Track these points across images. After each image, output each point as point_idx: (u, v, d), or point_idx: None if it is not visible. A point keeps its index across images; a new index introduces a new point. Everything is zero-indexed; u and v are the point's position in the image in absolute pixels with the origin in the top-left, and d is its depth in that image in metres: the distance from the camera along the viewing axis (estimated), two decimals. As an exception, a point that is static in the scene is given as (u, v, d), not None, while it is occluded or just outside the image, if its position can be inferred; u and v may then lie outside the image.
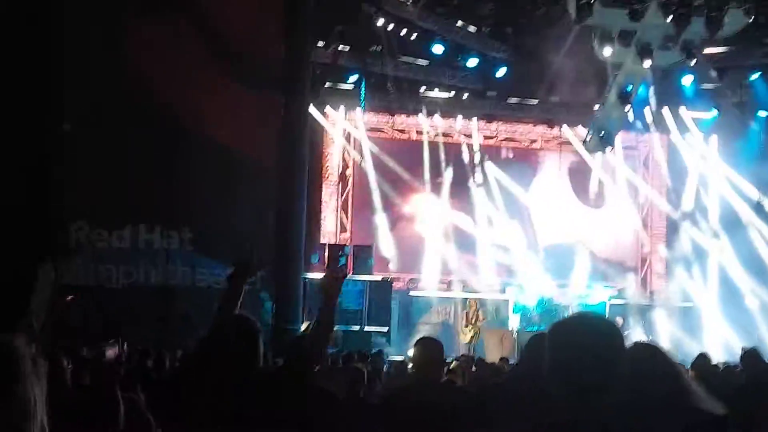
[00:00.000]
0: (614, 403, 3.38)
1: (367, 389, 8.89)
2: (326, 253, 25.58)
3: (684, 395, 4.02)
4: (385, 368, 15.66)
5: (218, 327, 5.37)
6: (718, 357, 16.13)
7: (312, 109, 24.69)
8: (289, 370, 5.55)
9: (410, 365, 10.06)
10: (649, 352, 4.20)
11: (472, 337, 24.47)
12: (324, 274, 5.84)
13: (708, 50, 25.44)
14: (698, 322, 27.05)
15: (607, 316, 26.41)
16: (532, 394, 4.31)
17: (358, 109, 28.00)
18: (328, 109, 27.91)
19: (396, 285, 27.34)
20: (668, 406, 3.91)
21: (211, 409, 5.04)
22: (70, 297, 20.92)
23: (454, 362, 14.63)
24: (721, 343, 25.37)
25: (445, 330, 24.99)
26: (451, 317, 26.55)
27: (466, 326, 24.63)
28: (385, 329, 25.38)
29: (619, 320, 26.14)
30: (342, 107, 28.10)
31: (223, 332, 5.31)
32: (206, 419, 5.02)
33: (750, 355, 10.04)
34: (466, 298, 26.19)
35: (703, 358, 11.29)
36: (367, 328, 24.83)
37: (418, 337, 7.74)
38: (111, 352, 11.31)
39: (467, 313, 24.97)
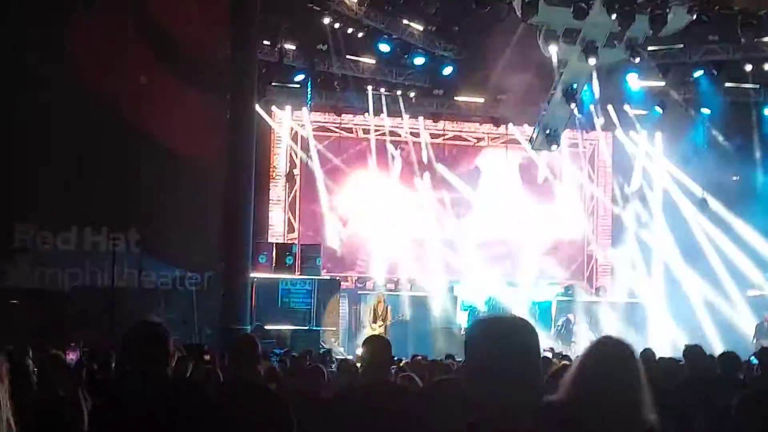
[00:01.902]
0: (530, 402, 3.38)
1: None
2: (274, 253, 25.53)
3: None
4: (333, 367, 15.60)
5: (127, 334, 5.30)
6: (662, 352, 16.24)
7: (258, 108, 24.57)
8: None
9: (358, 364, 10.03)
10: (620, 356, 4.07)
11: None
12: None
13: (652, 48, 25.67)
14: (643, 318, 27.26)
15: (555, 313, 26.82)
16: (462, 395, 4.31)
17: (305, 108, 27.92)
18: (274, 108, 27.84)
19: (344, 284, 27.33)
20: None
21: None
22: (13, 301, 20.75)
23: (403, 361, 14.63)
24: (666, 339, 25.60)
25: (396, 327, 24.91)
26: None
27: (374, 322, 24.32)
28: (333, 328, 25.39)
29: (569, 317, 26.41)
30: (288, 106, 28.03)
31: (130, 339, 5.23)
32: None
33: (692, 350, 10.15)
34: (375, 294, 25.98)
35: (647, 353, 11.39)
36: (315, 328, 24.78)
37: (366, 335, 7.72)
38: (72, 356, 11.18)
39: (375, 309, 24.69)
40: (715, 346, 22.34)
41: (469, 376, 3.52)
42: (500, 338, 3.46)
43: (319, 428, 6.49)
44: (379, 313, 24.42)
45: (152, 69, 22.93)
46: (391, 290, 26.98)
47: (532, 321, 3.67)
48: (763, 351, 10.50)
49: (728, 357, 9.11)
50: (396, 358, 14.07)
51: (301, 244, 26.89)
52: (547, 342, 23.48)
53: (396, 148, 29.09)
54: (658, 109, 28.56)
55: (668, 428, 8.28)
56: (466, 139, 30.32)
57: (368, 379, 6.56)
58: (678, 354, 12.86)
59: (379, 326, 24.10)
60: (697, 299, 27.27)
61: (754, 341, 23.74)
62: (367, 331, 24.15)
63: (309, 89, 27.23)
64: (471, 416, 3.47)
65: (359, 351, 11.97)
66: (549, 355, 15.96)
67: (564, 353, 18.57)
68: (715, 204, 27.81)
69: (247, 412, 5.65)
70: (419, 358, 16.31)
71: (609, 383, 3.70)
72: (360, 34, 25.86)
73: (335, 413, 6.42)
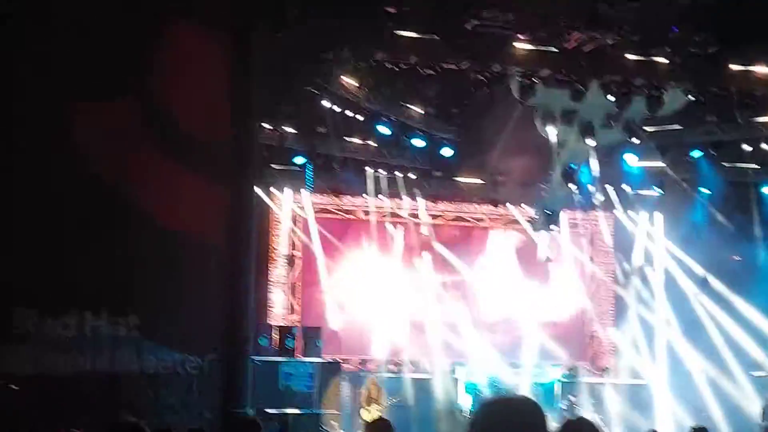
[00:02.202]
0: None
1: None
2: (274, 335, 25.41)
3: None
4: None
5: None
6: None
7: (258, 191, 24.62)
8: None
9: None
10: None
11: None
12: None
13: (650, 128, 25.82)
14: (648, 400, 27.08)
15: (559, 395, 26.63)
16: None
17: (304, 191, 27.98)
18: (274, 190, 27.92)
19: (345, 367, 27.13)
20: None
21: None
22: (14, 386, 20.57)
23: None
24: (672, 420, 25.42)
25: (398, 410, 24.70)
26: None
27: (368, 405, 24.06)
28: (335, 411, 25.15)
29: (572, 398, 26.21)
30: (288, 189, 28.10)
31: None
32: None
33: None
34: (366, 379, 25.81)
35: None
36: (317, 411, 24.57)
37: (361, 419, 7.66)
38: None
39: (369, 392, 24.45)
40: (722, 428, 22.20)
41: None
42: (507, 418, 3.41)
43: None
44: (373, 396, 24.25)
45: (153, 151, 22.98)
46: (392, 372, 26.84)
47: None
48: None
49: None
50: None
51: (303, 327, 26.76)
52: (552, 425, 23.25)
53: (395, 227, 29.09)
54: (658, 190, 28.65)
55: None
56: (466, 220, 30.36)
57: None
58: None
59: (377, 410, 23.91)
60: (701, 380, 27.09)
61: (763, 422, 23.49)
62: (364, 414, 23.98)
63: (309, 171, 27.31)
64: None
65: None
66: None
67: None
68: (716, 283, 27.77)
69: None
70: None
71: None
72: (360, 117, 26.00)
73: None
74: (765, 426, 22.46)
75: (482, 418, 3.46)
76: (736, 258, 28.10)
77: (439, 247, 29.45)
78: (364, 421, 23.45)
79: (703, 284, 27.91)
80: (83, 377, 22.18)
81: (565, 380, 27.56)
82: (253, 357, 23.30)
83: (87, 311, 22.66)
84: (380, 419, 7.06)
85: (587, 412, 26.08)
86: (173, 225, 22.39)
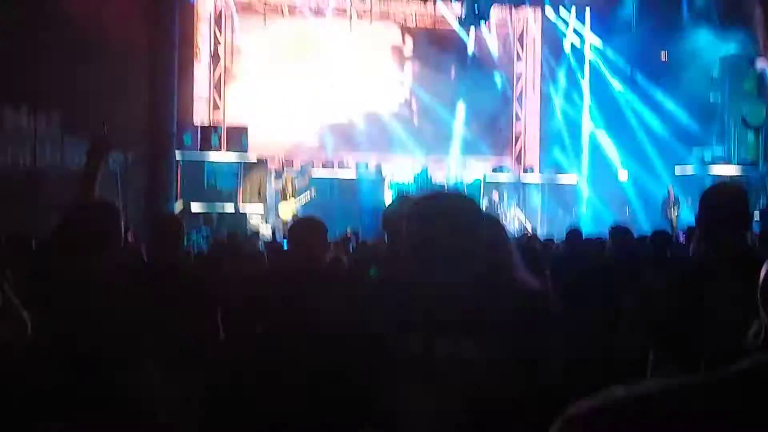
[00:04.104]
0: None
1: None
2: (199, 134, 25.18)
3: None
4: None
5: (72, 210, 5.07)
6: (590, 231, 16.37)
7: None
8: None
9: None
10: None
11: (294, 214, 23.47)
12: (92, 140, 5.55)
13: None
14: (572, 196, 27.47)
15: (482, 192, 26.87)
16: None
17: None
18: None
19: (272, 165, 27.03)
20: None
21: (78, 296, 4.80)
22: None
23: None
24: (596, 218, 25.87)
25: (321, 208, 24.84)
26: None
27: (284, 199, 24.01)
28: (260, 211, 25.16)
29: (494, 194, 26.46)
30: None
31: (79, 215, 5.00)
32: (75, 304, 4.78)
33: (618, 230, 10.18)
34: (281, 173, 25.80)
35: (573, 232, 11.43)
36: (242, 209, 24.61)
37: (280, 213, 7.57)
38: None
39: (284, 187, 24.41)
40: (644, 225, 22.61)
41: (407, 254, 3.38)
42: (442, 213, 3.29)
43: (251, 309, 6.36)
44: (289, 192, 24.17)
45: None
46: (317, 169, 26.85)
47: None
48: (690, 228, 10.56)
49: (656, 235, 9.12)
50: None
51: (227, 125, 26.45)
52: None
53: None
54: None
55: (595, 306, 8.34)
56: (393, 18, 29.85)
57: (299, 260, 6.40)
58: (605, 233, 12.95)
59: (292, 205, 23.81)
60: (624, 178, 27.45)
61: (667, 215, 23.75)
62: (282, 211, 23.92)
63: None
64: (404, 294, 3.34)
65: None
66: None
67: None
68: (642, 80, 27.84)
69: (165, 292, 5.47)
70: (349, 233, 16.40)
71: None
72: None
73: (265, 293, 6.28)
74: (669, 219, 22.95)
75: (414, 212, 3.34)
76: (663, 56, 28.07)
77: (366, 46, 29.09)
78: (283, 218, 23.48)
79: (630, 81, 27.99)
80: (4, 174, 21.95)
81: (491, 178, 27.77)
82: (177, 155, 23.14)
83: (6, 105, 22.24)
84: (310, 218, 6.88)
85: (513, 209, 26.48)
86: (94, 23, 21.89)
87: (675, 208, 23.69)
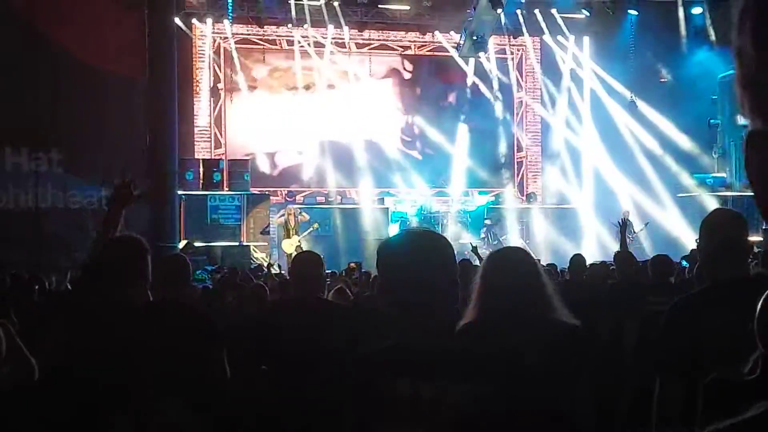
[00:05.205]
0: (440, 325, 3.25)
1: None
2: (201, 169, 25.20)
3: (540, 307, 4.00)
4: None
5: (98, 249, 5.12)
6: (594, 258, 16.37)
7: (177, 21, 24.04)
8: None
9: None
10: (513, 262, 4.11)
11: (297, 247, 23.25)
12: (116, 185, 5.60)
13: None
14: (575, 224, 27.43)
15: (484, 219, 26.86)
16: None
17: (226, 21, 27.27)
18: (195, 21, 27.26)
19: (274, 199, 27.05)
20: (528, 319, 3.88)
21: (99, 335, 4.83)
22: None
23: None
24: (598, 244, 25.81)
25: (325, 240, 24.82)
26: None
27: (288, 237, 24.00)
28: (264, 243, 25.19)
29: (487, 222, 26.44)
30: (209, 19, 27.37)
31: (106, 254, 5.06)
32: (94, 345, 4.81)
33: (622, 255, 10.21)
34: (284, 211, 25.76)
35: (578, 259, 11.45)
36: (246, 243, 24.60)
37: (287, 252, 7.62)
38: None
39: (286, 223, 24.38)
40: (648, 250, 22.55)
41: (385, 298, 3.40)
42: (408, 256, 3.28)
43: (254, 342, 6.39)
44: (291, 227, 24.17)
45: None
46: (321, 203, 26.88)
47: (464, 229, 3.58)
48: (692, 252, 10.55)
49: (658, 261, 9.10)
50: (329, 271, 13.97)
51: (229, 160, 26.48)
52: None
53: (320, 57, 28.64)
54: (585, 13, 28.40)
55: (602, 333, 8.32)
56: (392, 48, 29.96)
57: (299, 293, 6.43)
58: (609, 259, 12.96)
59: (296, 241, 23.81)
60: (627, 204, 27.40)
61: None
62: (285, 246, 23.93)
63: (229, 0, 26.64)
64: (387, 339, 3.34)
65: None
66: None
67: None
68: (643, 105, 27.88)
69: (172, 331, 5.48)
70: (353, 264, 16.41)
71: (508, 290, 3.81)
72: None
73: (268, 326, 6.31)
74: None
75: (384, 255, 3.36)
76: (664, 79, 28.13)
77: (367, 78, 29.22)
78: (287, 253, 23.44)
79: (630, 107, 28.02)
80: (5, 213, 21.98)
81: (493, 206, 27.80)
82: (179, 192, 23.16)
83: (6, 147, 22.31)
84: (308, 252, 6.97)
85: (515, 237, 26.45)
86: (93, 60, 21.98)
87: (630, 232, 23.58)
